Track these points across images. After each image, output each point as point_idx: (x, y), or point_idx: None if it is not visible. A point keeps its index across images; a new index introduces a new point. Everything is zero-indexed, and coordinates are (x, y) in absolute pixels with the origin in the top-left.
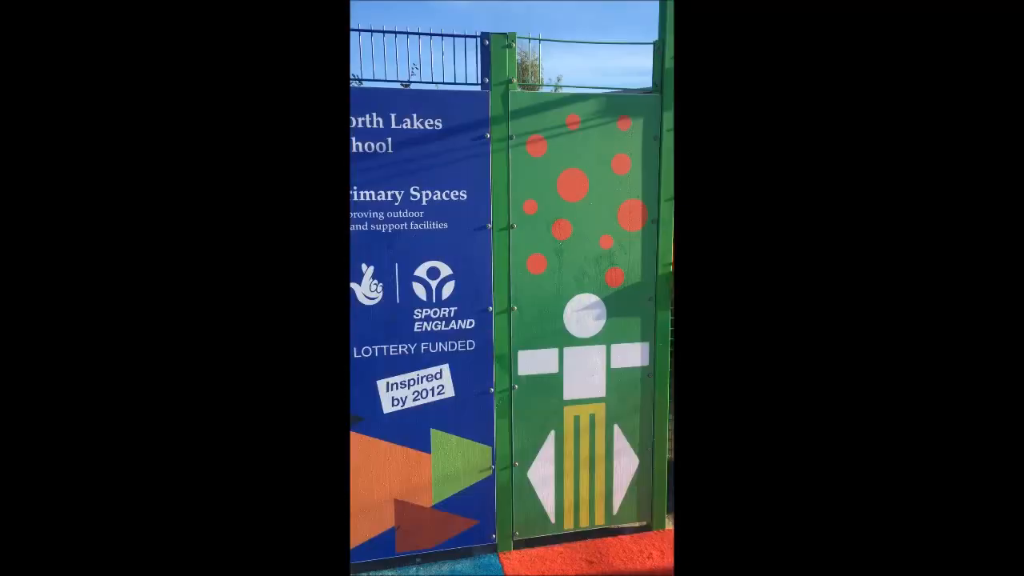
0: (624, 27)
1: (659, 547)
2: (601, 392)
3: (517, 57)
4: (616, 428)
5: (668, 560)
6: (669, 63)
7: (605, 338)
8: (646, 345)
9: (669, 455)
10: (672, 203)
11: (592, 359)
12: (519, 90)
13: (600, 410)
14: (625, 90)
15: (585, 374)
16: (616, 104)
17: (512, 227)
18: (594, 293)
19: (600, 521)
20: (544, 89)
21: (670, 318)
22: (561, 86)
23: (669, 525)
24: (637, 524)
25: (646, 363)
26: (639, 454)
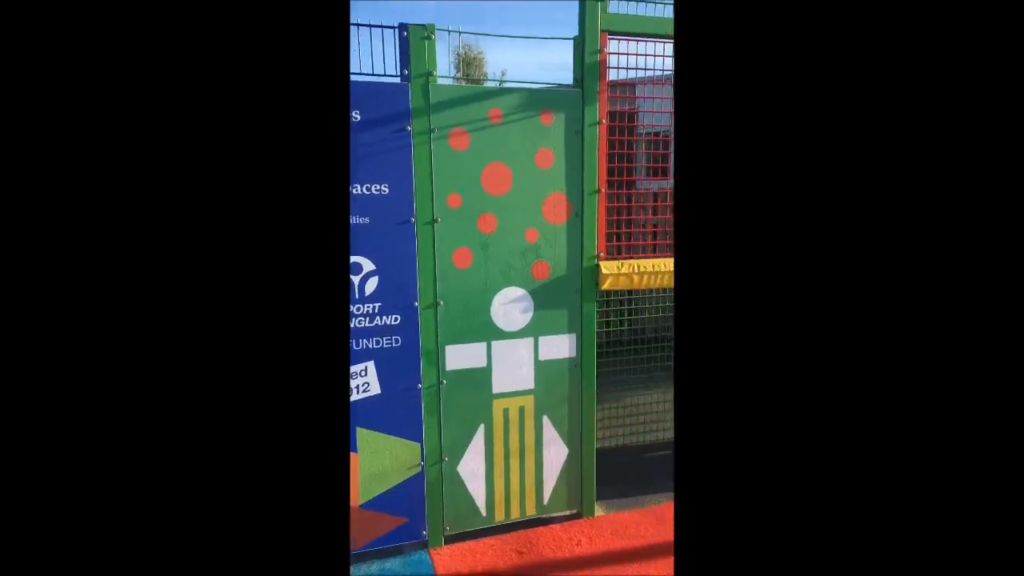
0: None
1: (588, 534)
2: (530, 384)
3: (460, 51)
4: (545, 419)
5: (596, 546)
6: (589, 59)
7: (532, 331)
8: (573, 337)
9: (597, 443)
10: (595, 196)
11: (520, 352)
12: (440, 82)
13: (529, 402)
14: (561, 86)
15: (513, 367)
16: (538, 99)
17: (436, 221)
18: (521, 286)
19: (531, 511)
20: (489, 83)
21: (596, 309)
22: (506, 80)
23: (599, 512)
24: (567, 512)
25: (573, 354)
26: (568, 444)
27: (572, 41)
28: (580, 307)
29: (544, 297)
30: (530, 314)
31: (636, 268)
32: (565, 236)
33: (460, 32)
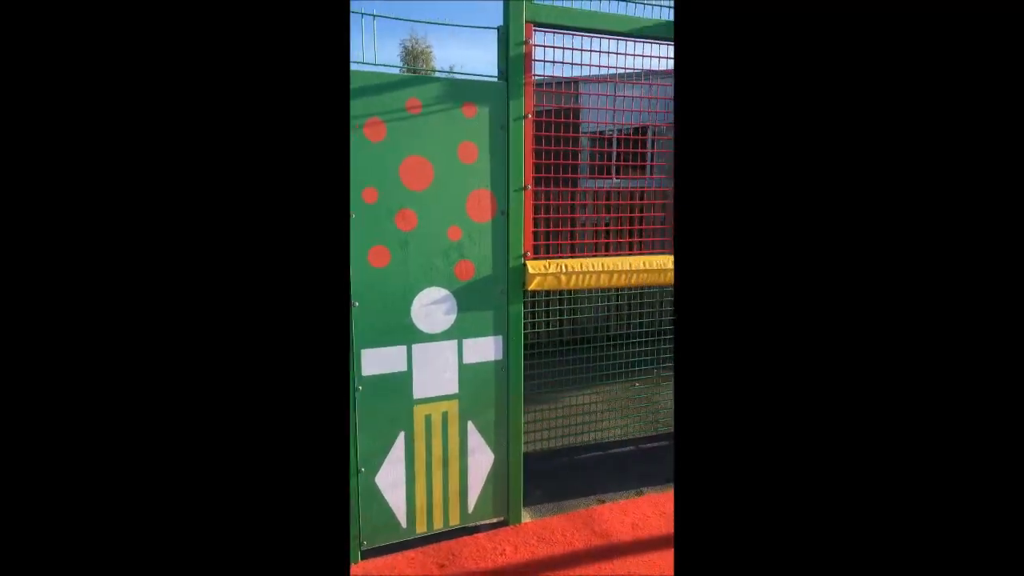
0: None
1: (513, 542)
2: (454, 388)
3: (407, 43)
4: (470, 424)
5: (521, 555)
6: (514, 50)
7: (456, 333)
8: (499, 338)
9: (526, 448)
10: (521, 193)
11: (443, 355)
12: (355, 67)
13: (453, 407)
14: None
15: (436, 371)
16: (460, 90)
17: (351, 216)
18: (443, 287)
19: (455, 521)
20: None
21: (523, 310)
22: (454, 73)
23: (526, 518)
24: (493, 520)
25: (500, 356)
26: (494, 450)
27: (496, 31)
28: (507, 308)
29: (468, 298)
30: (454, 315)
31: (564, 268)
32: (490, 234)
33: (375, 16)
